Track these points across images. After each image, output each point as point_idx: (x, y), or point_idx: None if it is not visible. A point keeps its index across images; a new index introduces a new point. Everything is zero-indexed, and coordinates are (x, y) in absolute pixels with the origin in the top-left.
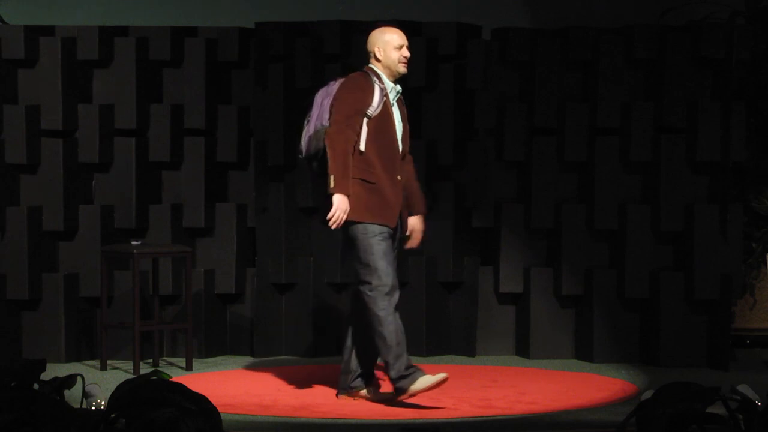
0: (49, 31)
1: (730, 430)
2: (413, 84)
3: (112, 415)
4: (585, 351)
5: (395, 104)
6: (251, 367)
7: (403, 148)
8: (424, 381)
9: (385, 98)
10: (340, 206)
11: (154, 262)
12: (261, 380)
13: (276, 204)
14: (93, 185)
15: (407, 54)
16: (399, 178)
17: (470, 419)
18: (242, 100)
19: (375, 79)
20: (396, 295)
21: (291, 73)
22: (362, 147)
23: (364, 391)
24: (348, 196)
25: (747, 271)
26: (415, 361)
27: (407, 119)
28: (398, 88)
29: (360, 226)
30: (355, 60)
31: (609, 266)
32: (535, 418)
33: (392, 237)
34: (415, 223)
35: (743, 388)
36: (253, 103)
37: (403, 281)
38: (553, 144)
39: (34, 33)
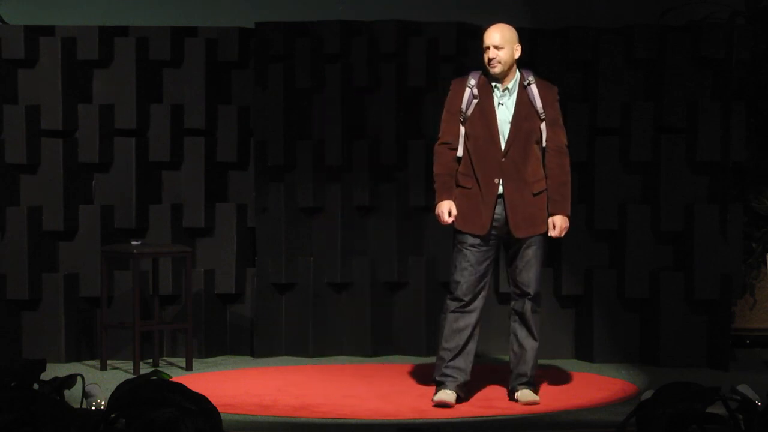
0: (49, 31)
1: (730, 430)
2: (413, 84)
3: (112, 415)
4: (585, 351)
5: (504, 103)
6: (251, 367)
7: (511, 146)
8: (438, 396)
9: (477, 99)
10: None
11: (154, 262)
12: (261, 380)
13: (276, 204)
14: (93, 185)
15: (491, 55)
16: (496, 181)
17: (470, 419)
18: (242, 100)
19: (473, 80)
20: (471, 315)
21: (291, 73)
22: (459, 152)
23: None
24: (446, 201)
25: (747, 271)
26: (415, 361)
27: (534, 116)
28: (509, 85)
29: (456, 234)
30: (355, 60)
31: (609, 266)
32: (535, 418)
33: (491, 244)
34: (552, 221)
35: (743, 388)
36: (253, 103)
37: (403, 281)
38: None
39: (34, 33)
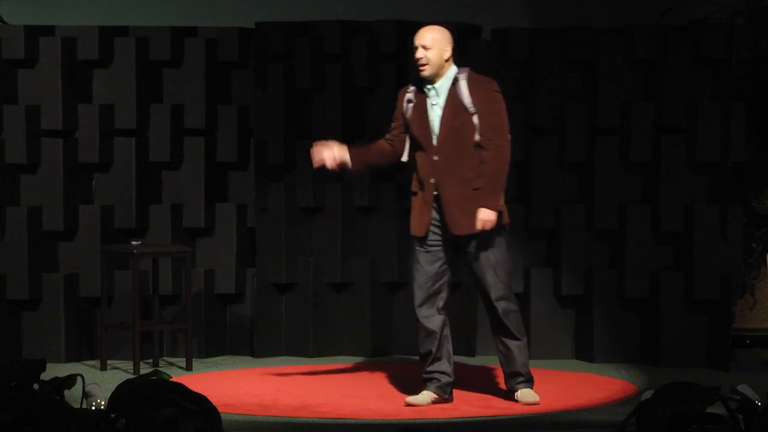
0: (49, 31)
1: (730, 430)
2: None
3: (112, 415)
4: (585, 351)
5: (437, 104)
6: (251, 367)
7: (442, 144)
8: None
9: (412, 103)
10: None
11: (154, 262)
12: (261, 380)
13: (276, 204)
14: (93, 185)
15: (419, 55)
16: (432, 181)
17: (470, 419)
18: (242, 100)
19: (412, 86)
20: (434, 319)
21: (291, 73)
22: (404, 157)
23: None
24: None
25: (747, 271)
26: (415, 361)
27: (463, 112)
28: (436, 85)
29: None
30: (355, 60)
31: (609, 266)
32: (535, 418)
33: (439, 245)
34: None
35: (743, 388)
36: (253, 103)
37: (403, 281)
38: (553, 144)
39: (34, 33)
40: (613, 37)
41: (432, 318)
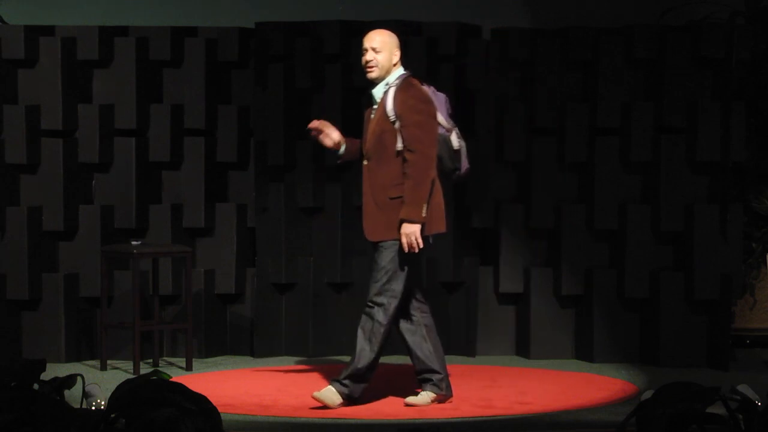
0: (49, 31)
1: (730, 430)
2: None
3: (112, 415)
4: (585, 351)
5: (374, 110)
6: (251, 367)
7: (368, 150)
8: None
9: (366, 109)
10: None
11: (154, 262)
12: (261, 380)
13: (276, 204)
14: (93, 185)
15: (368, 58)
16: (363, 185)
17: (470, 419)
18: (242, 100)
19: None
20: (369, 310)
21: (291, 73)
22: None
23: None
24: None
25: (747, 271)
26: None
27: (385, 119)
28: (374, 91)
29: None
30: (355, 60)
31: (609, 266)
32: (535, 418)
33: (374, 248)
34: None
35: (743, 388)
36: (253, 103)
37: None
38: (553, 144)
39: (34, 33)
40: (613, 37)
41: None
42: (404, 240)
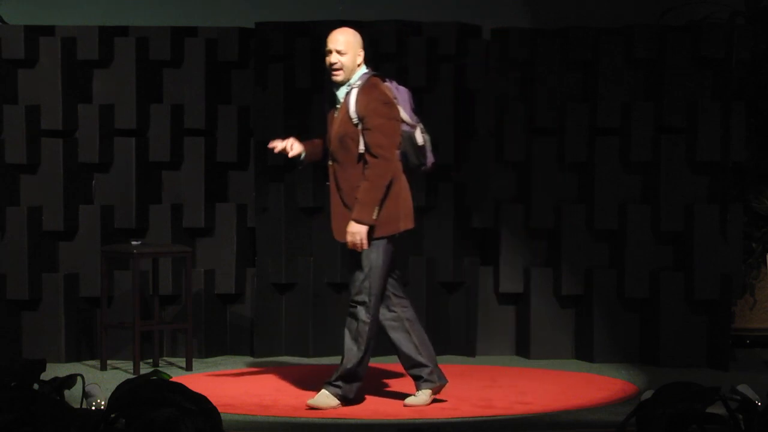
0: (49, 31)
1: (730, 430)
2: (413, 84)
3: (112, 415)
4: (585, 351)
5: (337, 111)
6: (251, 367)
7: (333, 152)
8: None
9: (329, 107)
10: None
11: (154, 262)
12: (261, 380)
13: (276, 204)
14: (93, 185)
15: (332, 60)
16: (328, 184)
17: (470, 419)
18: (242, 100)
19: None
20: (352, 310)
21: (291, 73)
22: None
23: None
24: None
25: (747, 271)
26: None
27: (348, 121)
28: (338, 91)
29: None
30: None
31: (609, 266)
32: (535, 418)
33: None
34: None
35: (743, 388)
36: (253, 103)
37: (402, 281)
38: (553, 144)
39: (34, 33)
40: (613, 37)
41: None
42: (349, 239)
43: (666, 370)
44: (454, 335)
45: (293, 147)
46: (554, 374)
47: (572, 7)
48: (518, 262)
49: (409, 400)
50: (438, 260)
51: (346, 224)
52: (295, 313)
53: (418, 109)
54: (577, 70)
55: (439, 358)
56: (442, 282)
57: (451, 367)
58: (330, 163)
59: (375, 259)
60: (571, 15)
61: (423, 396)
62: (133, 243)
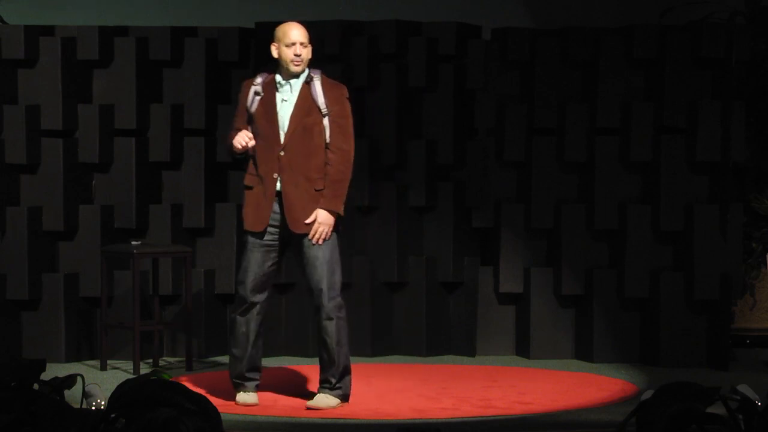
0: (49, 31)
1: (730, 430)
2: (413, 84)
3: (112, 415)
4: (585, 351)
5: (287, 99)
6: None
7: (288, 142)
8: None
9: (260, 96)
10: None
11: (154, 262)
12: (261, 380)
13: None
14: (93, 185)
15: (298, 52)
16: (275, 176)
17: (470, 419)
18: None
19: (259, 78)
20: (258, 317)
21: None
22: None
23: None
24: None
25: (747, 271)
26: (415, 361)
27: (315, 112)
28: (291, 81)
29: (243, 234)
30: (355, 60)
31: (609, 266)
32: (535, 418)
33: (273, 243)
34: (315, 213)
35: (743, 388)
36: None
37: (402, 281)
38: (553, 144)
39: (34, 33)
40: (613, 37)
41: (258, 316)
42: (320, 228)
43: (666, 370)
44: (454, 335)
45: (251, 138)
46: (554, 374)
47: (572, 7)
48: (518, 262)
49: (310, 403)
50: (438, 260)
51: (306, 215)
52: (295, 313)
53: (418, 109)
54: (577, 70)
55: (439, 358)
56: (442, 282)
57: (451, 367)
58: (281, 153)
59: (334, 251)
60: (571, 15)
61: (327, 399)
62: (133, 243)
